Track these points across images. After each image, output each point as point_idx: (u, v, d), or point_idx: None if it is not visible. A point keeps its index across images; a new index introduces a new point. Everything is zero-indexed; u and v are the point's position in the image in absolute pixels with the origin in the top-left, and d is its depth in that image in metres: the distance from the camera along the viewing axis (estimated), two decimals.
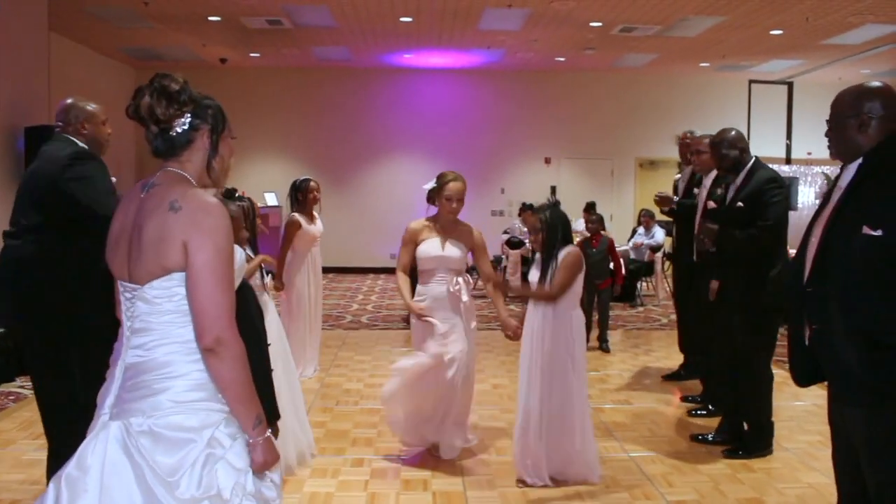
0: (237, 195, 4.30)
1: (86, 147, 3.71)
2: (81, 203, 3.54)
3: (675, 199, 6.29)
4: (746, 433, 4.83)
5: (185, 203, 2.05)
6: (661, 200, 6.28)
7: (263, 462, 2.08)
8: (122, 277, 2.13)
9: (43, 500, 2.01)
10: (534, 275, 4.31)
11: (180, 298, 2.05)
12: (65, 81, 11.04)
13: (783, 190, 4.70)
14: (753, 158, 4.87)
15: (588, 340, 7.53)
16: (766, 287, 4.58)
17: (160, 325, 2.05)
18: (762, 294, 4.58)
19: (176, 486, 1.95)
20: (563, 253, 4.21)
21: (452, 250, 4.64)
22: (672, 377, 6.65)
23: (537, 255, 4.35)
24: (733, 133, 4.92)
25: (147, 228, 2.05)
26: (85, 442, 2.05)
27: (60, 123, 3.77)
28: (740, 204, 4.74)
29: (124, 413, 2.02)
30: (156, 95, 2.08)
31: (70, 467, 2.01)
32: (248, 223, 4.20)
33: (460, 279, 4.64)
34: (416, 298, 4.66)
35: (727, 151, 4.86)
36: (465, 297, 4.59)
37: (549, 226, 4.23)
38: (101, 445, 2.00)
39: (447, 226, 4.69)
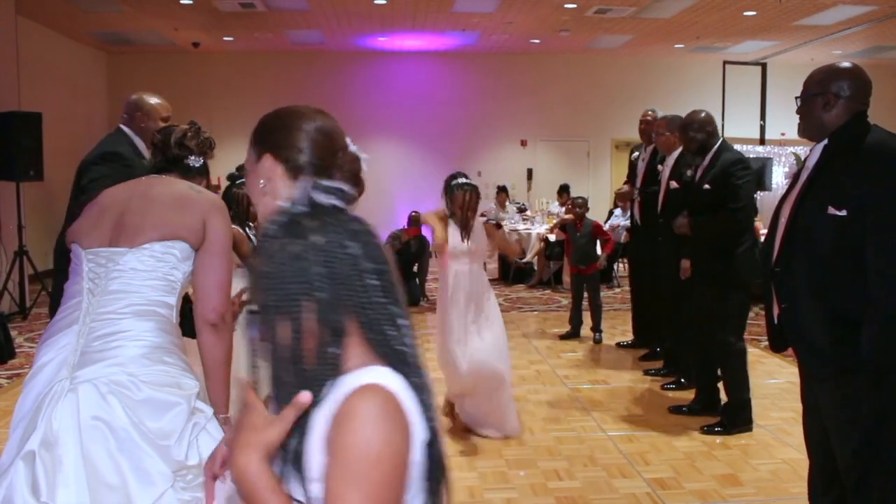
0: (238, 181, 4.57)
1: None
2: None
3: (636, 190, 6.38)
4: (726, 409, 4.90)
5: (203, 192, 2.30)
6: (622, 197, 6.71)
7: None
8: (98, 244, 2.13)
9: (11, 479, 1.89)
10: None
11: (168, 268, 2.11)
12: (35, 67, 10.87)
13: (750, 171, 4.80)
14: (720, 140, 4.97)
15: (579, 333, 7.57)
16: (734, 264, 4.67)
17: (138, 288, 2.07)
18: (730, 271, 4.68)
19: (168, 450, 1.95)
20: None
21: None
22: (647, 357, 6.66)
23: None
24: (703, 115, 5.00)
25: (162, 194, 2.20)
26: (42, 415, 1.93)
27: (125, 116, 3.65)
28: (707, 186, 4.83)
29: (95, 375, 1.96)
30: (190, 133, 2.46)
31: (33, 443, 1.91)
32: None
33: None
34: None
35: (694, 134, 4.96)
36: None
37: None
38: (67, 411, 1.92)
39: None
